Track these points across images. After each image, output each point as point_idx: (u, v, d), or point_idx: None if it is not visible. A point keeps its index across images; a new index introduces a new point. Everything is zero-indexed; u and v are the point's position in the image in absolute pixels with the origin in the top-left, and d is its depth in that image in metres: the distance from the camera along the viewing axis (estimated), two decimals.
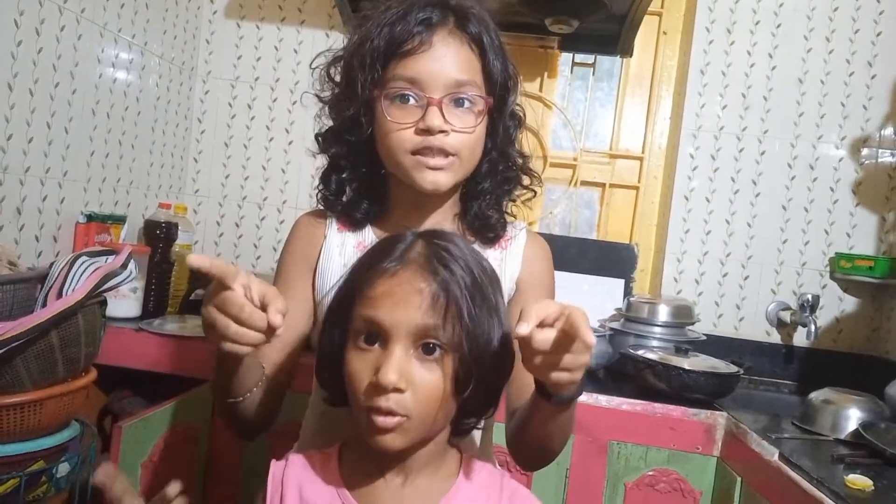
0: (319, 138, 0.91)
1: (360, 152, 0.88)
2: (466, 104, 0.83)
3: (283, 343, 0.87)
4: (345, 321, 0.69)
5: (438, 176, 0.83)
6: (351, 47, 0.86)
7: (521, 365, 0.73)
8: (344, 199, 0.91)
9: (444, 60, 0.81)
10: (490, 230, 0.91)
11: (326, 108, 0.90)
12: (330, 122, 0.91)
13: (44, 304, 1.00)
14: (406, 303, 0.64)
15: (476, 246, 0.89)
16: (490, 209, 0.91)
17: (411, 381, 0.64)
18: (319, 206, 0.93)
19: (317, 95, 0.90)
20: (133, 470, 1.19)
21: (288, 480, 0.71)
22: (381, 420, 0.63)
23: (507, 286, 0.90)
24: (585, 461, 1.36)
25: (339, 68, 0.88)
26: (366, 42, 0.83)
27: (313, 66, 0.90)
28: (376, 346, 0.65)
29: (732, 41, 1.87)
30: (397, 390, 0.63)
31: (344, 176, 0.90)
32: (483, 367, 0.66)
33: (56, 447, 1.01)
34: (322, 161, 0.94)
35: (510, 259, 0.92)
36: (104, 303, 1.10)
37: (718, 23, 1.87)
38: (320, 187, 0.92)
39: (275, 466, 0.73)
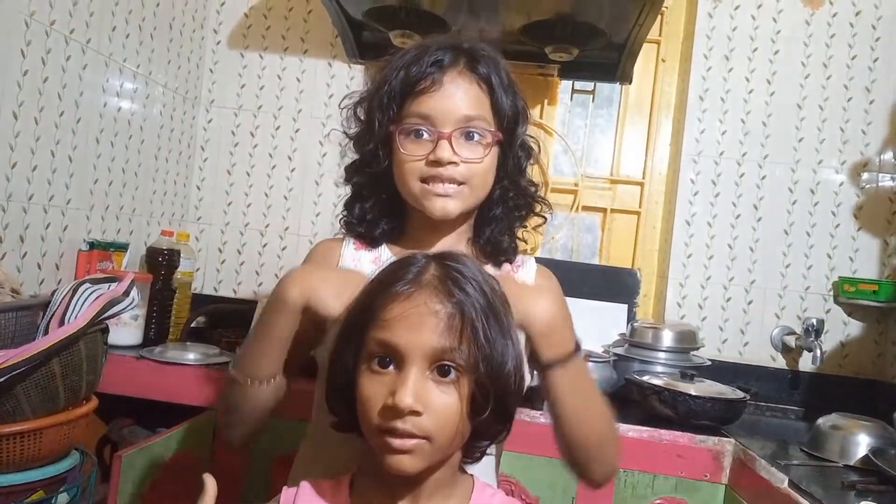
0: (346, 170, 0.98)
1: (379, 181, 0.94)
2: (476, 137, 0.88)
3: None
4: (357, 344, 0.68)
5: (448, 203, 0.88)
6: (372, 89, 0.93)
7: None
8: (365, 224, 0.97)
9: (454, 98, 0.87)
10: (501, 254, 0.96)
11: (351, 144, 0.96)
12: (354, 156, 0.97)
13: (45, 332, 0.99)
14: (421, 325, 0.64)
15: (488, 268, 0.92)
16: (502, 234, 0.95)
17: (427, 403, 0.63)
18: (342, 230, 0.99)
19: (344, 133, 0.97)
20: (133, 500, 1.17)
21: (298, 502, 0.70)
22: (398, 442, 0.63)
23: None
24: (592, 489, 1.34)
25: (363, 107, 0.94)
26: (384, 84, 0.89)
27: (342, 105, 0.97)
28: (390, 368, 0.65)
29: (731, 68, 1.89)
30: (414, 413, 0.63)
31: (366, 204, 0.96)
32: (498, 388, 0.66)
33: (55, 477, 0.99)
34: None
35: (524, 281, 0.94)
36: (106, 330, 1.10)
37: (716, 50, 1.90)
38: (344, 213, 0.98)
39: (286, 493, 0.72)
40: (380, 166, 0.91)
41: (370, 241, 0.96)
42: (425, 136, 0.87)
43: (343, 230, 0.98)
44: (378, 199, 0.95)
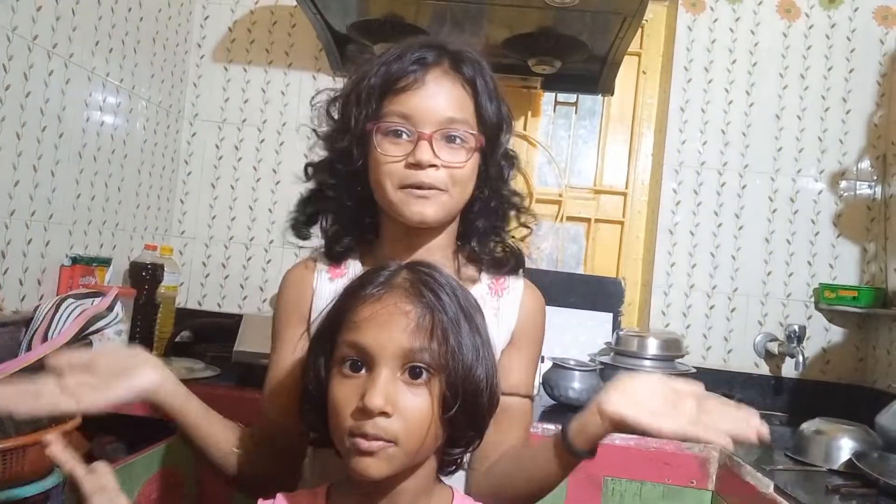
0: (309, 168, 0.92)
1: (349, 185, 0.88)
2: (458, 141, 0.83)
3: (285, 405, 0.86)
4: (329, 350, 0.68)
5: (426, 209, 0.83)
6: (349, 85, 0.88)
7: (493, 425, 0.73)
8: (313, 229, 0.91)
9: (437, 98, 0.82)
10: (492, 265, 0.91)
11: (321, 142, 0.91)
12: (318, 155, 0.92)
13: (28, 348, 0.98)
14: (391, 326, 0.64)
15: (477, 286, 0.90)
16: (485, 247, 0.91)
17: (398, 405, 0.63)
18: (288, 231, 0.93)
19: (314, 130, 0.91)
20: None
21: None
22: (365, 444, 0.62)
23: (503, 336, 0.90)
24: (580, 498, 1.35)
25: (337, 106, 0.89)
26: (363, 80, 0.84)
27: (314, 102, 0.91)
28: (362, 372, 0.65)
29: (710, 79, 1.92)
30: (383, 414, 0.62)
31: (324, 206, 0.91)
32: (469, 391, 0.66)
33: (38, 495, 0.98)
34: None
35: (507, 309, 0.91)
36: (90, 345, 1.09)
37: (696, 62, 1.93)
38: (293, 213, 0.92)
39: None
40: (353, 165, 0.85)
41: (335, 257, 0.90)
42: (404, 136, 0.82)
43: (291, 232, 0.92)
44: (342, 205, 0.89)
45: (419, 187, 0.82)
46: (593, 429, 0.76)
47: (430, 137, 0.81)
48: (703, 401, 0.73)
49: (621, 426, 0.73)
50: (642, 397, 0.73)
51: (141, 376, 0.75)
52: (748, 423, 0.70)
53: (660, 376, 0.76)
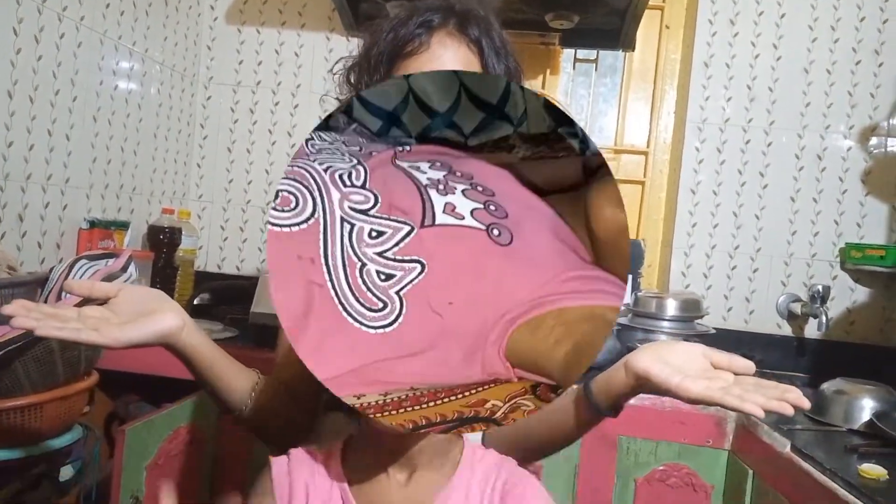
0: None
1: None
2: None
3: None
4: None
5: None
6: (361, 52, 0.90)
7: None
8: None
9: (442, 60, 0.84)
10: None
11: None
12: None
13: None
14: None
15: None
16: None
17: None
18: None
19: (337, 99, 0.93)
20: (137, 472, 1.18)
21: (293, 473, 0.69)
22: None
23: None
24: (595, 457, 1.35)
25: (354, 72, 0.91)
26: (373, 47, 0.87)
27: (333, 70, 0.93)
28: None
29: (736, 33, 1.85)
30: None
31: None
32: None
33: (58, 450, 1.00)
34: None
35: None
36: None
37: (721, 15, 1.86)
38: None
39: (277, 462, 0.71)
40: None
41: None
42: None
43: None
44: None
45: None
46: (617, 384, 0.74)
47: None
48: (741, 377, 0.69)
49: (646, 384, 0.70)
50: (675, 359, 0.70)
51: (164, 319, 0.74)
52: (784, 395, 0.65)
53: (702, 346, 0.71)
